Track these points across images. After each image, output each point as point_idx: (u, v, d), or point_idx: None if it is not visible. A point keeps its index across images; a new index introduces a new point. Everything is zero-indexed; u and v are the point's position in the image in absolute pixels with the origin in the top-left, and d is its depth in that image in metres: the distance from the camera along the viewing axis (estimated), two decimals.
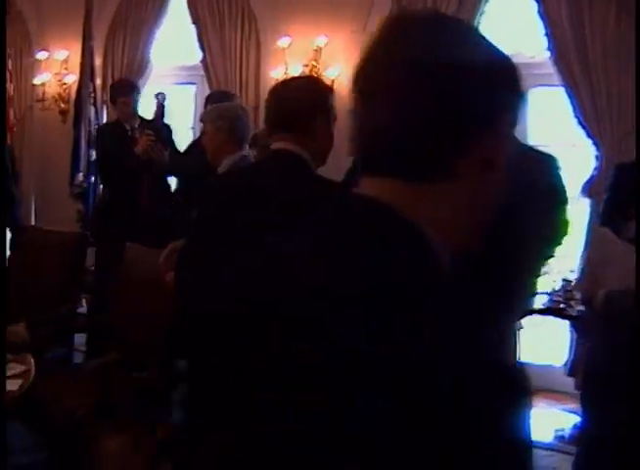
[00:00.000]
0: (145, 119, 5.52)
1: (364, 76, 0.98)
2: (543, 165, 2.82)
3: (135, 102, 5.54)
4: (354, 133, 0.98)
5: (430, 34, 0.94)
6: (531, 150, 2.78)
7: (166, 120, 5.62)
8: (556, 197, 2.85)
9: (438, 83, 0.90)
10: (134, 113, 5.51)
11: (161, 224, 5.06)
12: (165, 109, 5.55)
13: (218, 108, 3.68)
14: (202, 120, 3.62)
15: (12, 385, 2.70)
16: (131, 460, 2.93)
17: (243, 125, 3.50)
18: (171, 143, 5.50)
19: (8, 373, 2.80)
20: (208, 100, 4.97)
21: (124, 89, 5.62)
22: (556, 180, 2.82)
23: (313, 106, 2.39)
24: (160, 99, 5.48)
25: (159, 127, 5.40)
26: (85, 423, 3.17)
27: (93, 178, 6.57)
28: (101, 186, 6.35)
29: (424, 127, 0.90)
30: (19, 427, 3.28)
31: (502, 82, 0.95)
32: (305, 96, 2.39)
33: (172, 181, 5.65)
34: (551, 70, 5.06)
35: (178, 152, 5.41)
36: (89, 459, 3.02)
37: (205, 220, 2.36)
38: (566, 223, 2.91)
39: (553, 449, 4.35)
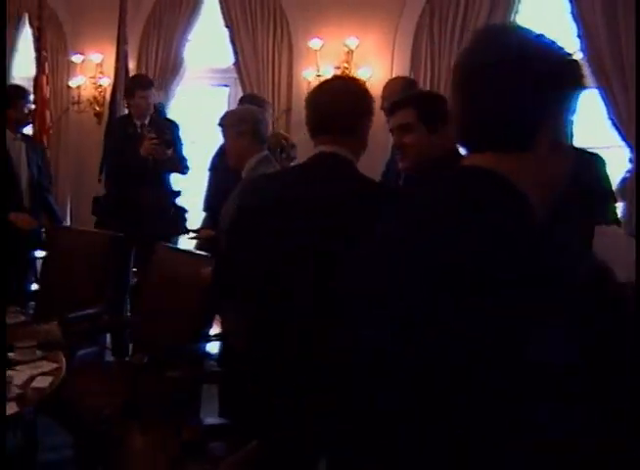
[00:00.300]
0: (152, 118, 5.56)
1: (468, 74, 1.27)
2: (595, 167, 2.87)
3: (151, 97, 5.54)
4: (456, 120, 1.29)
5: (514, 40, 1.26)
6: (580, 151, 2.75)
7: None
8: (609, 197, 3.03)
9: (525, 79, 1.21)
10: (148, 108, 5.50)
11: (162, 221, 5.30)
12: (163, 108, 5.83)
13: (237, 112, 3.69)
14: (221, 125, 3.59)
15: (42, 382, 2.73)
16: (157, 460, 2.93)
17: (264, 127, 3.53)
18: (177, 140, 5.53)
19: (39, 370, 2.84)
20: (242, 102, 5.03)
21: (143, 83, 5.61)
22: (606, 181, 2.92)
23: (359, 107, 2.39)
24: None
25: (162, 126, 5.47)
26: (112, 422, 3.19)
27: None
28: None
29: (518, 110, 1.21)
30: (49, 424, 3.31)
31: (567, 78, 1.27)
32: (352, 98, 2.38)
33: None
34: (584, 71, 4.97)
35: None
36: (115, 458, 3.04)
37: (266, 228, 2.28)
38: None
39: None
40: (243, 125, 3.46)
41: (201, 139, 6.48)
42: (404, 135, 2.72)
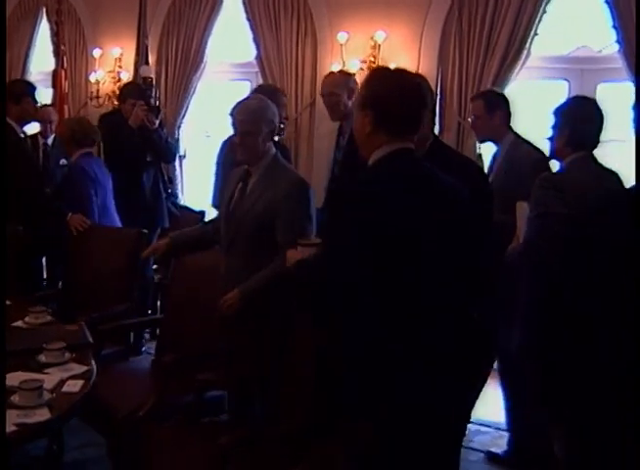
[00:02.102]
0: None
1: None
2: None
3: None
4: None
5: None
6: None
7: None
8: None
9: None
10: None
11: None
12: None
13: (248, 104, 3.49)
14: (232, 115, 3.39)
15: (73, 386, 2.63)
16: (190, 463, 2.85)
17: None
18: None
19: (68, 374, 2.74)
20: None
21: (135, 93, 5.65)
22: None
23: (423, 102, 2.35)
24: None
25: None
26: (144, 423, 3.09)
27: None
28: None
29: None
30: (76, 424, 3.22)
31: None
32: (418, 93, 2.32)
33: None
34: (619, 64, 4.86)
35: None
36: (147, 460, 2.94)
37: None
38: None
39: None
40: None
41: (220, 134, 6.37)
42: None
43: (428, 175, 2.30)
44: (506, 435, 4.22)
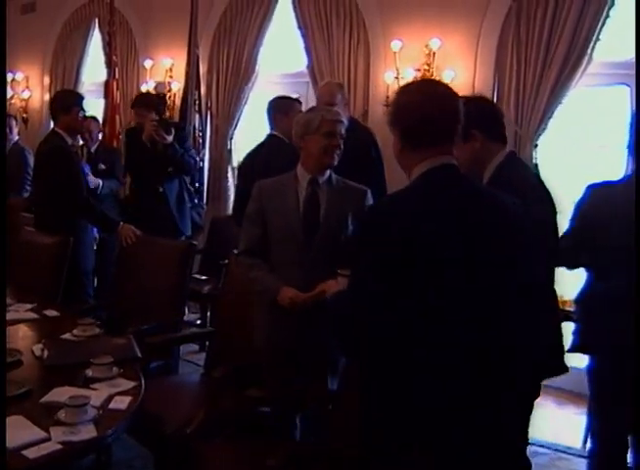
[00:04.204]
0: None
1: None
2: None
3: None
4: None
5: None
6: None
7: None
8: None
9: None
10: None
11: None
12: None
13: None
14: (338, 120, 3.31)
15: (121, 403, 2.54)
16: None
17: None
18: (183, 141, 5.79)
19: (116, 390, 2.67)
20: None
21: (144, 104, 5.76)
22: None
23: (448, 113, 2.14)
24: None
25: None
26: (192, 440, 3.00)
27: (197, 184, 6.54)
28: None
29: None
30: (125, 436, 3.15)
31: None
32: (458, 106, 2.15)
33: None
34: None
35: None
36: None
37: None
38: None
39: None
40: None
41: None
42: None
43: (470, 194, 2.12)
44: (565, 456, 4.09)
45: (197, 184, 6.65)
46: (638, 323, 2.96)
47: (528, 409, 2.76)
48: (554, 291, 2.79)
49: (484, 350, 1.99)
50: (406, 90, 2.21)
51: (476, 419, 2.00)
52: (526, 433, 2.78)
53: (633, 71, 4.86)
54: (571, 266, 3.30)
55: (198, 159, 6.23)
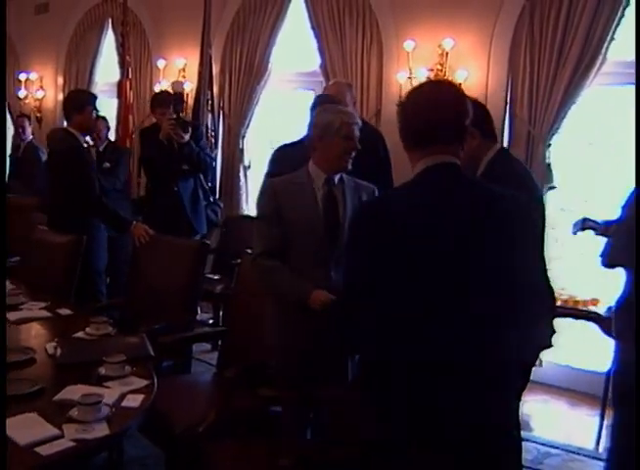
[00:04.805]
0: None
1: None
2: None
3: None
4: None
5: None
6: None
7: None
8: None
9: None
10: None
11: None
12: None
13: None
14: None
15: (133, 401, 2.55)
16: None
17: None
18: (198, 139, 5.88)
19: (128, 388, 2.67)
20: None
21: (162, 102, 5.86)
22: None
23: (467, 114, 2.23)
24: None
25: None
26: (204, 439, 3.00)
27: (210, 184, 6.55)
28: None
29: None
30: (137, 435, 3.17)
31: None
32: (466, 105, 2.22)
33: None
34: None
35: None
36: None
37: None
38: None
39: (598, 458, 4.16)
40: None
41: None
42: None
43: (463, 191, 2.16)
44: (578, 458, 4.07)
45: (209, 183, 6.67)
46: (638, 323, 2.98)
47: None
48: (550, 288, 2.77)
49: (478, 345, 2.01)
50: (412, 93, 2.28)
51: (465, 415, 2.02)
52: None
53: None
54: (611, 266, 3.31)
55: (213, 156, 6.25)
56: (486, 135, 3.01)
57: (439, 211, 2.07)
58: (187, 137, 5.60)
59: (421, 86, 2.38)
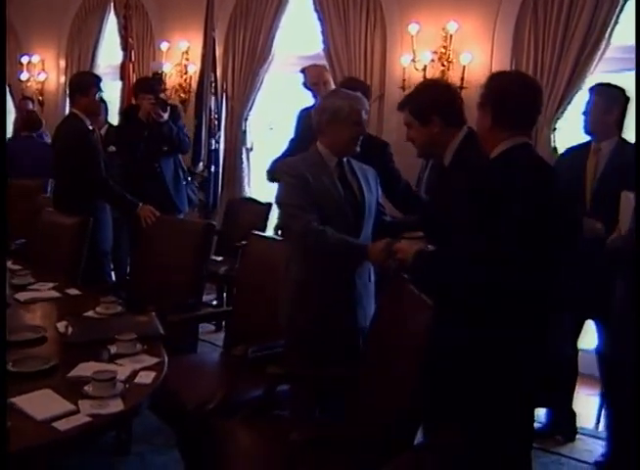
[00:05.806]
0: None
1: None
2: None
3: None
4: None
5: None
6: None
7: None
8: None
9: None
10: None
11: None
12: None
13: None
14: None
15: (146, 378, 2.59)
16: (259, 457, 2.78)
17: None
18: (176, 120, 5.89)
19: (140, 365, 2.71)
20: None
21: (145, 87, 5.86)
22: None
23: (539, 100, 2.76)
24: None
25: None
26: (213, 417, 3.04)
27: (214, 168, 6.57)
28: None
29: None
30: (145, 413, 3.20)
31: None
32: (533, 91, 2.71)
33: None
34: None
35: None
36: (215, 452, 2.88)
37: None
38: None
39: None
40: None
41: (284, 127, 6.33)
42: (408, 132, 3.11)
43: (542, 165, 2.67)
44: (578, 437, 4.14)
45: (212, 167, 6.70)
46: (638, 322, 3.02)
47: None
48: None
49: None
50: (501, 76, 2.82)
51: None
52: None
53: None
54: None
55: (189, 138, 6.21)
56: (450, 123, 3.01)
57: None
58: (166, 116, 5.65)
59: (524, 75, 3.02)
